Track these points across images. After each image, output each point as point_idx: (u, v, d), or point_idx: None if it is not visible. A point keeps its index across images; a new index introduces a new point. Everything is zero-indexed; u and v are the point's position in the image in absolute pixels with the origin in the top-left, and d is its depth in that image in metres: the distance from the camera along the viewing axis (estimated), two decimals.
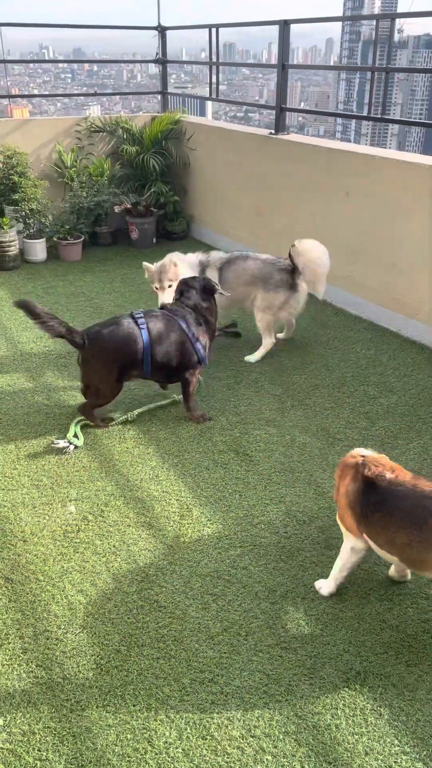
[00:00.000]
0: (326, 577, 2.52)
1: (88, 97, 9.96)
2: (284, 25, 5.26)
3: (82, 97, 8.67)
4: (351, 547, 2.37)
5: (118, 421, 3.57)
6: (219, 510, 2.94)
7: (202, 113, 7.29)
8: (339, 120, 63.57)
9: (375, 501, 2.21)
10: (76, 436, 3.40)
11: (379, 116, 4.88)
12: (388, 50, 5.13)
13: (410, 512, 2.13)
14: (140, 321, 3.44)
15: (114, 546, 2.71)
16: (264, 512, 2.93)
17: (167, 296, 3.96)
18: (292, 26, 5.36)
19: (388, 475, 2.21)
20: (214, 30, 6.25)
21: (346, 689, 2.13)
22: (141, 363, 3.44)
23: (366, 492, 2.23)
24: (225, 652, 2.25)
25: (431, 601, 2.45)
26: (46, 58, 62.71)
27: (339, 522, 2.40)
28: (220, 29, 6.29)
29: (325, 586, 2.49)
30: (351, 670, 2.20)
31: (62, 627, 2.34)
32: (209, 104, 7.17)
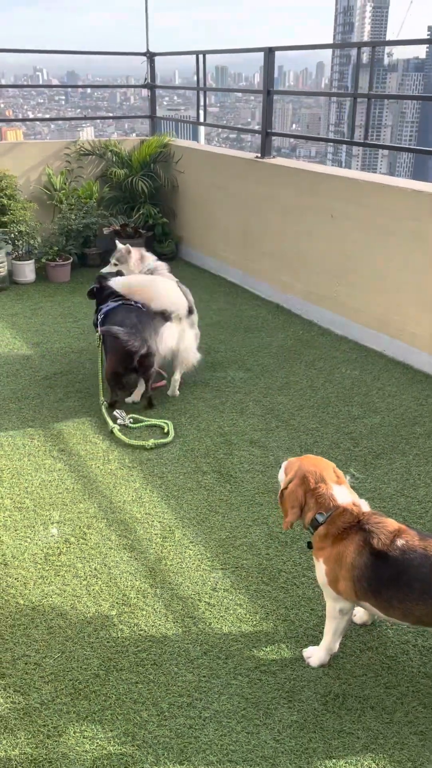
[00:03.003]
0: (307, 598, 2.52)
1: (82, 119, 10.12)
2: (269, 52, 5.37)
3: (75, 119, 8.83)
4: (341, 608, 2.17)
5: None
6: (201, 532, 2.94)
7: (195, 136, 7.41)
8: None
9: (389, 576, 2.01)
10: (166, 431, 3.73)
11: (362, 141, 4.96)
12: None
13: (428, 582, 1.96)
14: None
15: (95, 569, 2.71)
16: (246, 534, 2.94)
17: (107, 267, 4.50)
18: (283, 51, 5.49)
19: (400, 543, 2.00)
20: (201, 56, 6.37)
21: (325, 712, 2.13)
22: None
23: (377, 566, 2.02)
24: (204, 676, 2.25)
25: None
26: (40, 81, 63.44)
27: (327, 586, 2.16)
28: (212, 55, 6.44)
29: (316, 656, 2.27)
30: (330, 692, 2.20)
31: (41, 651, 2.33)
32: (201, 127, 7.28)
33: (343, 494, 2.12)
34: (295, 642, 2.38)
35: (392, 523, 2.08)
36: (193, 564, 2.75)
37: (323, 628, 2.36)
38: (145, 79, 7.26)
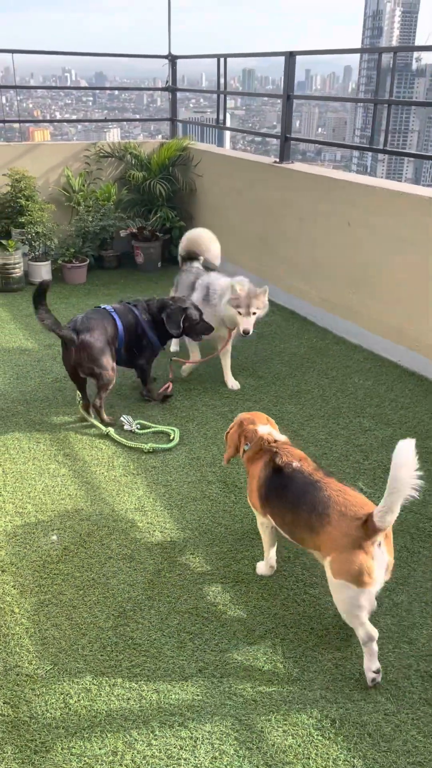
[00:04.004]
0: (308, 617, 2.45)
1: (103, 121, 10.18)
2: (290, 57, 5.31)
3: (96, 121, 8.88)
4: (260, 523, 2.64)
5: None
6: (202, 543, 2.89)
7: (219, 140, 7.39)
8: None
9: (276, 485, 2.43)
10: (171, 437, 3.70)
11: (382, 148, 4.88)
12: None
13: (296, 494, 2.34)
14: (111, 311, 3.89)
15: (93, 579, 2.67)
16: (249, 547, 2.88)
17: (250, 322, 4.01)
18: (305, 55, 5.43)
19: (295, 464, 2.41)
20: (222, 60, 6.33)
21: (320, 738, 2.06)
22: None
23: (272, 478, 2.44)
24: (198, 695, 2.19)
25: (413, 645, 2.38)
26: (69, 82, 64.18)
27: (249, 501, 2.63)
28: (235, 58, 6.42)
29: (259, 567, 2.75)
30: (326, 717, 2.13)
31: (33, 662, 2.29)
32: (227, 131, 7.25)
33: (265, 429, 2.59)
34: (293, 662, 2.31)
35: (300, 453, 2.49)
36: (192, 577, 2.70)
37: (323, 648, 2.29)
38: (167, 81, 7.25)
